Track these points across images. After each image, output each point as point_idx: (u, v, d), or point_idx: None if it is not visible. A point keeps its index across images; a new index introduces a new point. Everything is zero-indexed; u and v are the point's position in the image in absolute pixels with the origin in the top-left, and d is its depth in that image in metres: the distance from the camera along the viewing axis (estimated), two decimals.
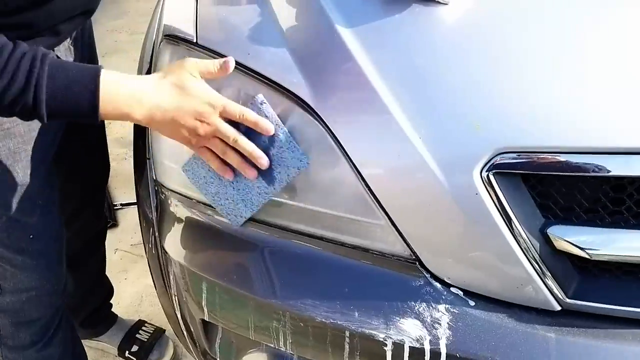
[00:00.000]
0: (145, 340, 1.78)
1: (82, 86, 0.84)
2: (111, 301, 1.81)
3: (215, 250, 0.99)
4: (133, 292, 2.05)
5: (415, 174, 0.84)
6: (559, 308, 0.86)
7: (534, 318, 0.87)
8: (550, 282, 0.84)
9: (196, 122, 0.88)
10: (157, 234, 1.07)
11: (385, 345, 0.87)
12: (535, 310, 0.87)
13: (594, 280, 0.86)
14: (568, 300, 0.85)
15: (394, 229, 0.88)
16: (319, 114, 0.89)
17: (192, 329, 1.07)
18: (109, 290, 1.79)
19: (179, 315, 1.08)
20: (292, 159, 0.90)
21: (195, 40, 1.00)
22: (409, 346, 0.86)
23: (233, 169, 0.94)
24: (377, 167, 0.87)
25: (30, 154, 1.10)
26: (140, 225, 1.22)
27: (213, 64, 0.88)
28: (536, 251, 0.83)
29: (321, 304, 0.91)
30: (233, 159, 0.92)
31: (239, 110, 0.88)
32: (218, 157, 0.93)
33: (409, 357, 0.87)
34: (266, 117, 0.90)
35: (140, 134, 1.16)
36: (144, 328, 1.81)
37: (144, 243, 1.22)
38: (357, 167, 0.87)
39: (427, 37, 0.89)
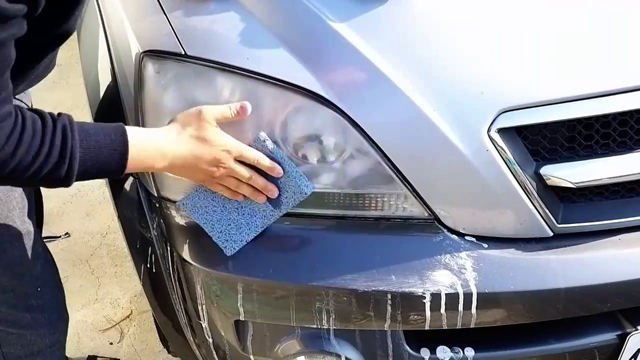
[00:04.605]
0: None
1: (112, 150, 0.86)
2: None
3: (243, 250, 1.01)
4: None
5: (433, 144, 0.96)
6: (552, 234, 1.03)
7: (535, 246, 1.03)
8: (545, 213, 1.02)
9: (213, 167, 0.94)
10: (169, 249, 1.06)
11: (424, 297, 0.98)
12: (534, 240, 1.04)
13: (574, 205, 1.05)
14: (559, 226, 1.03)
15: (414, 195, 1.00)
16: (334, 103, 0.96)
17: (220, 334, 1.09)
18: None
19: (204, 325, 1.09)
20: (299, 186, 0.98)
21: (184, 53, 1.01)
22: (445, 294, 0.98)
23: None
24: (398, 143, 0.97)
25: (19, 199, 1.03)
26: (131, 248, 1.19)
27: (230, 110, 0.94)
28: (534, 189, 0.99)
29: (359, 275, 0.99)
30: (245, 190, 0.99)
31: (253, 156, 0.96)
32: (228, 188, 0.99)
33: (445, 303, 0.99)
34: (271, 152, 0.97)
35: None
36: None
37: (136, 266, 1.20)
38: (379, 145, 0.97)
39: (415, 21, 1.01)
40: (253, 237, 1.01)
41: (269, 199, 1.00)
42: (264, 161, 0.96)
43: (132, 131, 0.89)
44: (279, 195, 0.99)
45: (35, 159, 0.80)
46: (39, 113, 0.84)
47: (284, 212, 1.01)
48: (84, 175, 0.86)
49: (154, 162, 0.91)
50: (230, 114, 0.94)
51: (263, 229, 1.02)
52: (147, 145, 0.90)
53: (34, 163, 0.80)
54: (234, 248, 1.01)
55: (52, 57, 1.08)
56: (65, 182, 0.85)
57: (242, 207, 1.02)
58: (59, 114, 0.85)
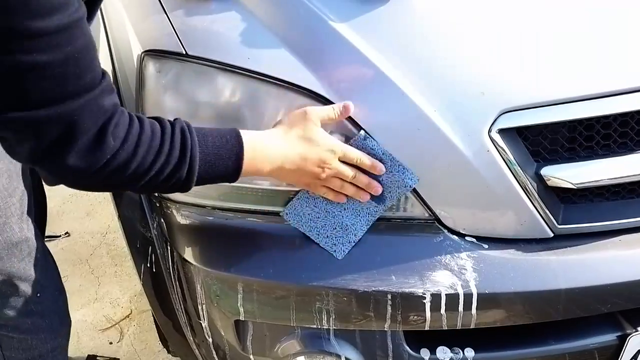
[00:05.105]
0: None
1: (229, 151, 0.86)
2: None
3: (243, 250, 1.02)
4: None
5: (434, 144, 0.96)
6: (552, 235, 1.03)
7: (535, 247, 1.03)
8: (545, 214, 1.01)
9: (319, 168, 0.94)
10: (169, 249, 1.06)
11: (425, 298, 0.98)
12: (534, 240, 1.04)
13: (575, 206, 1.05)
14: (559, 227, 1.03)
15: (414, 195, 1.00)
16: (335, 102, 0.96)
17: (220, 334, 1.09)
18: None
19: (204, 325, 1.09)
20: (403, 180, 0.97)
21: (185, 52, 1.01)
22: (445, 294, 0.98)
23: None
24: (399, 143, 0.97)
25: (17, 206, 1.03)
26: (131, 247, 1.19)
27: (333, 110, 0.94)
28: (534, 190, 0.99)
29: (360, 275, 0.99)
30: (349, 190, 0.99)
31: (356, 156, 0.96)
32: (332, 190, 0.99)
33: (446, 304, 0.99)
34: (372, 149, 0.96)
35: None
36: None
37: (136, 265, 1.20)
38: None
39: (415, 21, 1.01)
40: (360, 237, 1.01)
41: (372, 196, 1.00)
42: (366, 160, 0.96)
43: (245, 133, 0.89)
44: (383, 191, 0.99)
45: (156, 159, 0.80)
46: (155, 118, 0.84)
47: (388, 207, 1.01)
48: (204, 178, 0.86)
49: (263, 165, 0.91)
50: (334, 114, 0.94)
51: (369, 227, 1.01)
52: (259, 147, 0.90)
53: (155, 163, 0.80)
54: (343, 251, 1.00)
55: None
56: (186, 185, 0.85)
57: (345, 209, 1.01)
58: (176, 118, 0.86)
